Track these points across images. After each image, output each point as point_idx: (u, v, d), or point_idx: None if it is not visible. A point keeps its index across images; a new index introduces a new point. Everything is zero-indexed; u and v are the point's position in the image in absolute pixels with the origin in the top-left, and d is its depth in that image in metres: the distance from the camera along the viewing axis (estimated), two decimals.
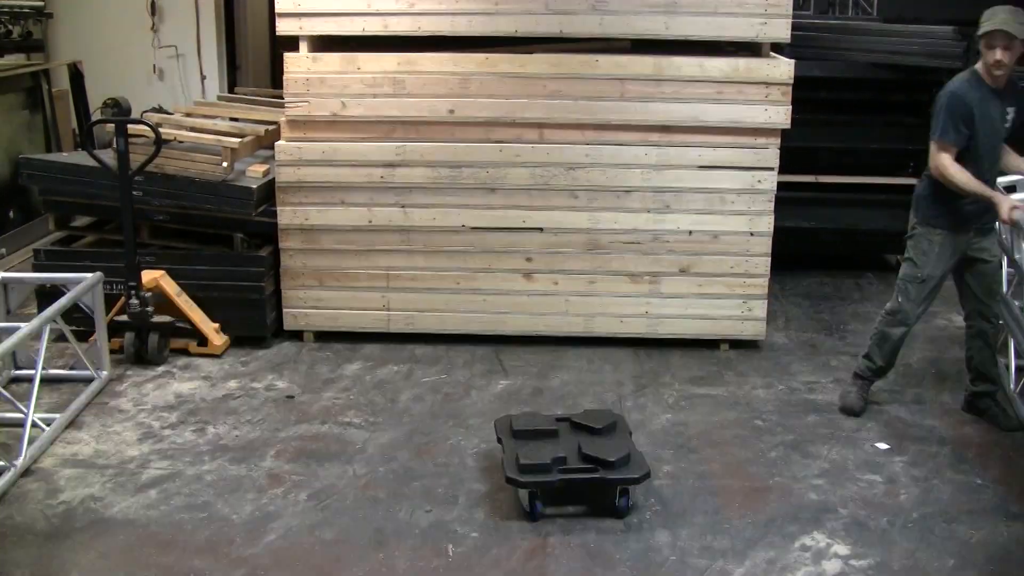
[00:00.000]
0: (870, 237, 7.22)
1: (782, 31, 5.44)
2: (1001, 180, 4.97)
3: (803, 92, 5.70)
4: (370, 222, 5.65)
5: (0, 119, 7.33)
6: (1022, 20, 4.34)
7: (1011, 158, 4.73)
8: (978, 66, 4.54)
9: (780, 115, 5.46)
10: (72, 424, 4.75)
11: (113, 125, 5.42)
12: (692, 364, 5.58)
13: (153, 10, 8.63)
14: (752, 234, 5.63)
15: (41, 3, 8.35)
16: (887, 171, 7.16)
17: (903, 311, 4.83)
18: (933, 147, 4.56)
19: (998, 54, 4.38)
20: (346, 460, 4.46)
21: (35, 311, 5.54)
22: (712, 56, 5.47)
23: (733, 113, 5.46)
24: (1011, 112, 4.57)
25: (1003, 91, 4.53)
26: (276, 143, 5.61)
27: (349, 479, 4.30)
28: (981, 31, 4.43)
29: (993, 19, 4.37)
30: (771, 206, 5.61)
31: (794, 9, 5.45)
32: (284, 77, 5.52)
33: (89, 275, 5.11)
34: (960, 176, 4.45)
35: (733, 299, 5.70)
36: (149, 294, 5.40)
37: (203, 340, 5.56)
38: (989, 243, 4.74)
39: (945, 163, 4.49)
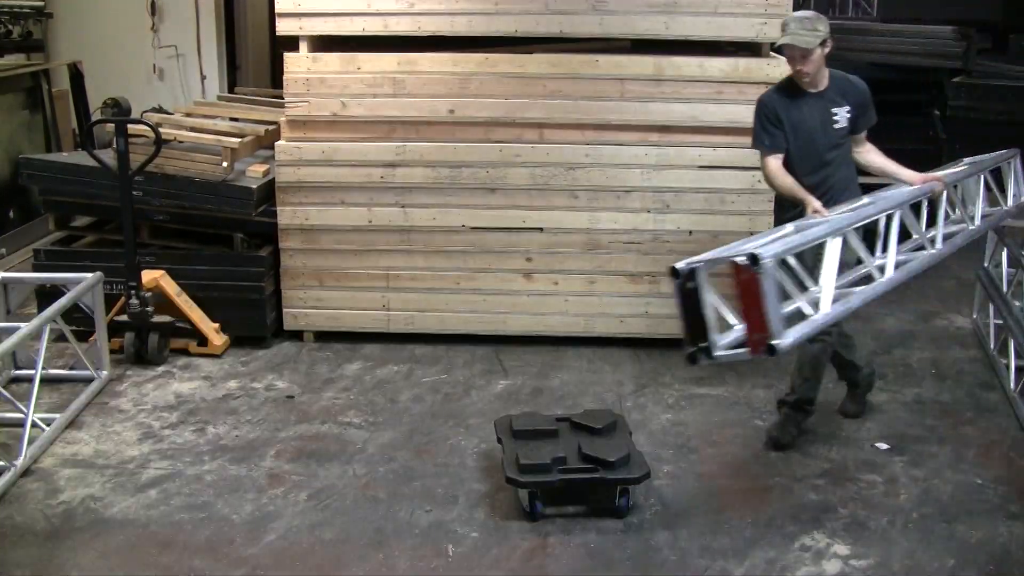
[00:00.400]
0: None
1: None
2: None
3: None
4: (370, 222, 5.65)
5: (0, 119, 7.34)
6: (810, 27, 4.27)
7: (871, 156, 4.62)
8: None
9: None
10: (72, 424, 4.75)
11: (113, 125, 5.43)
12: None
13: (153, 10, 8.63)
14: (752, 234, 5.58)
15: (41, 3, 8.35)
16: None
17: None
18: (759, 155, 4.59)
19: (797, 65, 4.34)
20: (346, 460, 4.46)
21: (35, 311, 5.54)
22: (712, 56, 5.47)
23: (733, 113, 5.46)
24: (840, 111, 4.45)
25: (826, 91, 4.45)
26: (276, 143, 5.61)
27: (349, 479, 4.30)
28: (774, 45, 4.41)
29: (783, 33, 4.31)
30: (771, 206, 5.55)
31: (794, 9, 5.44)
32: (284, 77, 5.52)
33: (89, 275, 5.11)
34: (777, 179, 4.45)
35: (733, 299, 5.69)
36: (149, 294, 5.40)
37: (203, 340, 5.56)
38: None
39: (765, 168, 4.50)
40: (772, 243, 3.80)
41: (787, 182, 4.44)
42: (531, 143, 5.53)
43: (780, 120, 4.45)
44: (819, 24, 4.31)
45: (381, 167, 5.57)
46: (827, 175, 4.50)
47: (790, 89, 4.49)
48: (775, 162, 4.48)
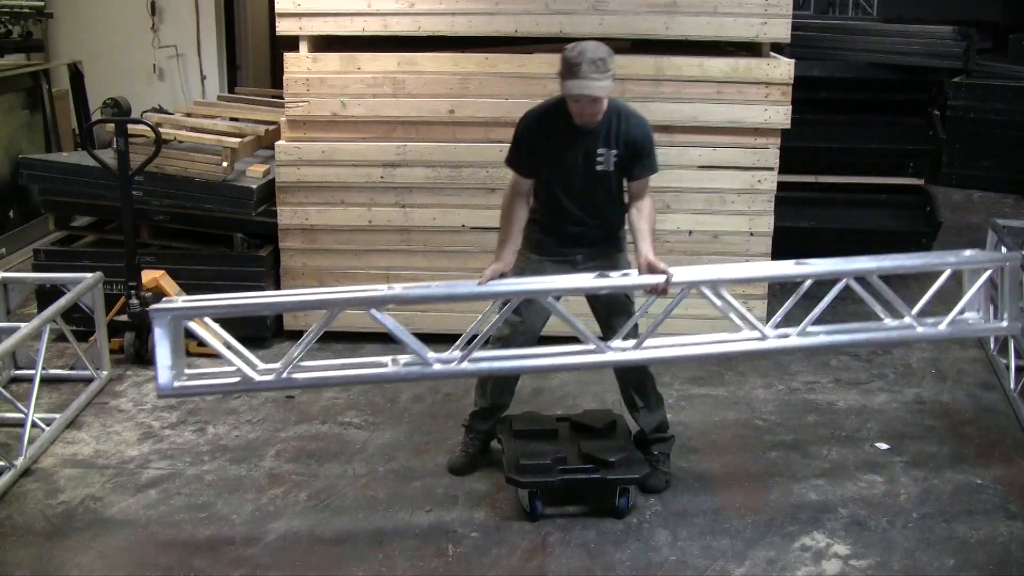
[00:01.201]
0: (870, 237, 7.23)
1: (782, 31, 5.45)
2: None
3: (803, 92, 5.70)
4: (370, 222, 5.65)
5: (0, 119, 7.34)
6: (604, 68, 3.67)
7: (636, 216, 3.93)
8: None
9: (780, 115, 5.47)
10: (72, 424, 4.75)
11: (113, 125, 5.43)
12: (692, 364, 5.58)
13: (153, 10, 8.64)
14: (752, 234, 5.62)
15: (41, 3, 8.36)
16: (887, 171, 7.17)
17: None
18: None
19: (587, 110, 3.77)
20: (346, 460, 4.46)
21: (35, 311, 5.54)
22: (712, 56, 5.47)
23: (733, 113, 5.46)
24: (607, 153, 3.88)
25: (596, 128, 3.85)
26: (276, 143, 5.61)
27: (349, 479, 4.29)
28: (563, 90, 3.75)
29: (573, 75, 3.66)
30: (771, 206, 5.61)
31: (794, 9, 5.45)
32: (284, 77, 5.52)
33: (89, 275, 5.11)
34: (503, 210, 4.00)
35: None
36: (149, 294, 5.40)
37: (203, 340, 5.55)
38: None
39: (507, 189, 4.02)
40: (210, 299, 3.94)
41: (505, 221, 3.99)
42: None
43: (537, 148, 3.92)
44: (611, 62, 3.72)
45: (381, 167, 5.57)
46: (582, 218, 4.00)
47: (557, 116, 3.87)
48: (513, 192, 3.98)
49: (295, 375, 3.80)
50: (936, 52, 6.80)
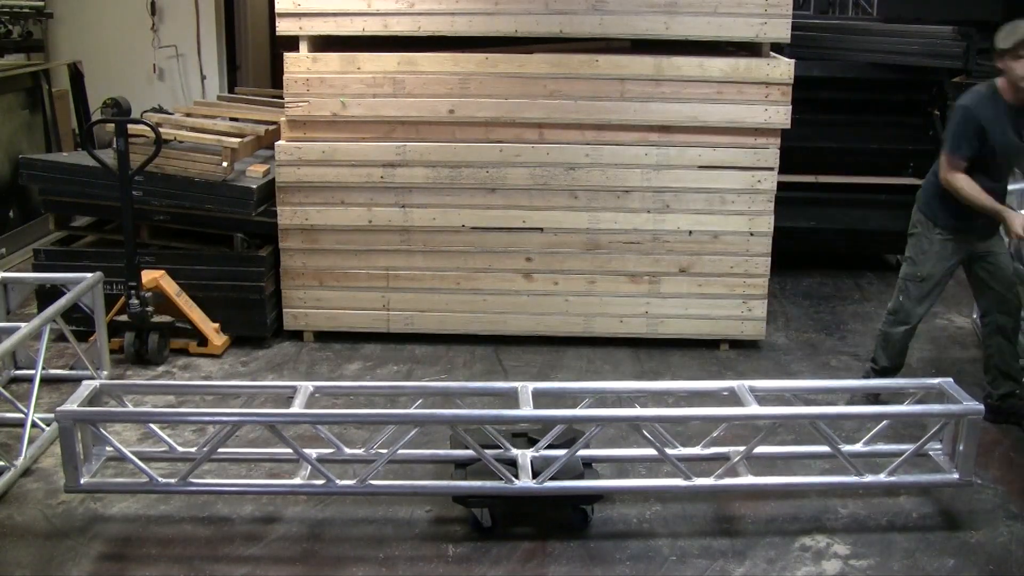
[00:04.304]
0: (870, 237, 7.24)
1: (782, 31, 5.44)
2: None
3: (803, 92, 5.70)
4: (370, 222, 5.65)
5: (0, 119, 7.34)
6: None
7: None
8: (998, 81, 4.52)
9: (780, 115, 5.46)
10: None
11: (113, 125, 5.42)
12: (692, 364, 5.58)
13: (153, 10, 8.65)
14: (752, 234, 5.63)
15: (41, 3, 8.36)
16: (887, 171, 7.17)
17: (904, 310, 4.86)
18: (943, 159, 4.55)
19: None
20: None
21: (35, 311, 5.54)
22: (712, 56, 5.47)
23: (733, 113, 5.46)
24: None
25: (1022, 107, 4.49)
26: (276, 143, 5.61)
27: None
28: (1012, 44, 4.39)
29: None
30: (771, 206, 5.61)
31: (794, 9, 5.45)
32: (284, 77, 5.52)
33: (89, 275, 5.11)
34: (970, 190, 4.46)
35: (733, 299, 5.70)
36: (149, 294, 5.40)
37: (203, 340, 5.56)
38: (995, 241, 4.74)
39: (955, 177, 4.49)
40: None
41: (978, 193, 4.45)
42: (531, 143, 5.53)
43: (984, 133, 4.44)
44: None
45: (381, 167, 5.57)
46: (999, 194, 4.62)
47: (994, 100, 4.50)
48: (962, 170, 4.49)
49: (195, 480, 3.92)
50: (936, 52, 6.80)
